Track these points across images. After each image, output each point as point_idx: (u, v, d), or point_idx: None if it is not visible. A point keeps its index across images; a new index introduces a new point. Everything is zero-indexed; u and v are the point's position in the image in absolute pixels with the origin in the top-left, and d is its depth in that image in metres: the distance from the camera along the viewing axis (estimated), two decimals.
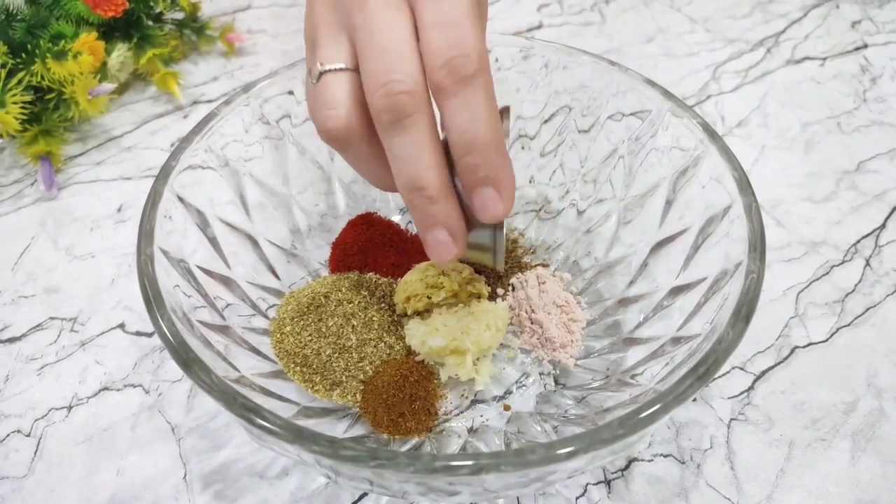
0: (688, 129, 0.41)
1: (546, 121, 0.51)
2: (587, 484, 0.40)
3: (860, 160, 0.58)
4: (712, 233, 0.39)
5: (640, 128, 0.46)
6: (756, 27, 0.72)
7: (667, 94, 0.43)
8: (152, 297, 0.33)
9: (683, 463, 0.41)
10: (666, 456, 0.41)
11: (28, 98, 0.57)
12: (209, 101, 0.66)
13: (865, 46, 0.70)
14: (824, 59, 0.69)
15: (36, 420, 0.43)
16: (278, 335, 0.43)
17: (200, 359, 0.31)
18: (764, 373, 0.45)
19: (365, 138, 0.32)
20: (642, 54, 0.69)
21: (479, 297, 0.45)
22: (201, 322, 0.37)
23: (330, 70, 0.31)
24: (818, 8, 0.75)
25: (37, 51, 0.58)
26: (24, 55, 0.58)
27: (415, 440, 0.40)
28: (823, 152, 0.59)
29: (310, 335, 0.42)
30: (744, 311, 0.33)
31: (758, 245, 0.35)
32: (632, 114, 0.47)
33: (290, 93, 0.46)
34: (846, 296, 0.49)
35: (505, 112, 0.34)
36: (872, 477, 0.40)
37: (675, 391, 0.31)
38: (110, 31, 0.65)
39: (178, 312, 0.34)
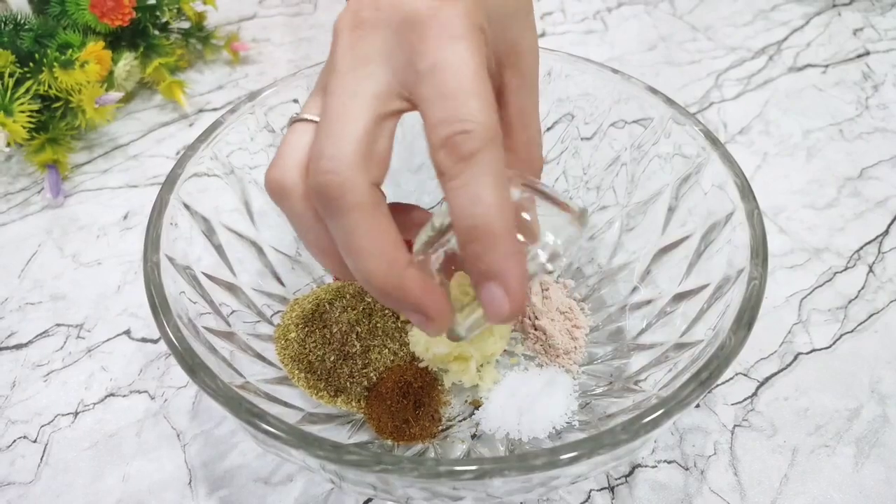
0: (690, 137, 0.42)
1: (549, 128, 0.52)
2: (591, 490, 0.40)
3: (863, 167, 0.58)
4: (714, 239, 0.39)
5: (642, 135, 0.46)
6: (758, 35, 0.73)
7: (669, 101, 0.44)
8: (158, 304, 0.33)
9: (687, 469, 0.41)
10: (670, 462, 0.41)
11: (35, 107, 0.57)
12: (214, 110, 0.66)
13: (867, 53, 0.70)
14: (826, 66, 0.69)
15: (42, 426, 0.44)
16: (283, 341, 0.43)
17: (206, 365, 0.31)
18: (767, 379, 0.45)
19: (302, 199, 0.28)
20: (644, 62, 0.70)
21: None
22: (207, 328, 0.37)
23: (302, 119, 0.28)
24: (820, 16, 0.75)
25: (44, 60, 0.58)
26: (31, 64, 0.59)
27: (419, 446, 0.40)
28: (825, 159, 0.59)
29: (314, 342, 0.42)
30: (746, 318, 0.33)
31: (760, 251, 0.35)
32: (634, 121, 0.47)
33: (295, 101, 0.46)
34: (849, 302, 0.49)
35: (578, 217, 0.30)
36: (876, 483, 0.40)
37: (678, 397, 0.31)
38: (117, 41, 0.65)
39: (184, 319, 0.35)
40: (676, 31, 0.73)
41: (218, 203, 0.43)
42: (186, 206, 0.40)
